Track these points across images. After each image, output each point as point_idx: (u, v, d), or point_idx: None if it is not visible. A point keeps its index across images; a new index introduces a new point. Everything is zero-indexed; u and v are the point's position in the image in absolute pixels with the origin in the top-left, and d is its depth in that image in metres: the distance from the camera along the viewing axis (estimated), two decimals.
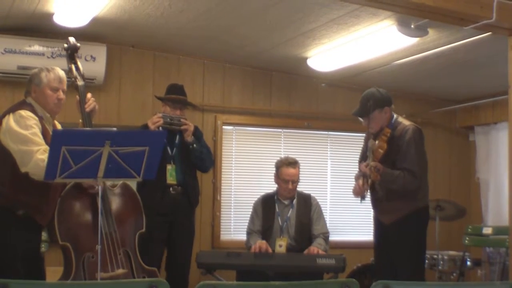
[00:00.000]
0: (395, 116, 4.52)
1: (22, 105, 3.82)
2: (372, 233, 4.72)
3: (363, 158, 4.58)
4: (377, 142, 4.39)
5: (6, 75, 5.39)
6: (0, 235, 3.73)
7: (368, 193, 4.42)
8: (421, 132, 4.47)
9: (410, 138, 4.36)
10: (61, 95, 3.87)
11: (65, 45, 4.07)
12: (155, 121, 4.70)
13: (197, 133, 4.97)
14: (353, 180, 4.59)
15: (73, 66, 4.02)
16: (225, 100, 6.30)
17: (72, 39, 4.06)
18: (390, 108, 4.49)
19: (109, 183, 4.06)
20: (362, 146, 4.76)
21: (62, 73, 3.92)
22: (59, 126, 4.06)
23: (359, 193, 4.35)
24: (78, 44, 4.06)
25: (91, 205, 3.88)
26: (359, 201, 4.37)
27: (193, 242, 5.01)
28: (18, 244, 3.74)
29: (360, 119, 4.53)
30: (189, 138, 4.78)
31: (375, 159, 4.30)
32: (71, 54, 4.05)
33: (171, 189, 4.77)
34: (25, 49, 5.36)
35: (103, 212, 3.76)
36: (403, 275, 4.17)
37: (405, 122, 4.51)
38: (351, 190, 4.52)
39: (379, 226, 4.58)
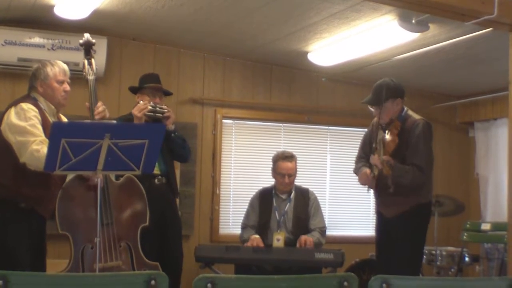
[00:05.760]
0: (405, 108, 4.42)
1: (25, 98, 3.88)
2: (370, 228, 4.72)
3: (366, 149, 4.52)
4: (387, 134, 4.31)
5: (6, 67, 5.39)
6: (3, 228, 3.75)
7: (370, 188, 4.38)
8: (430, 127, 4.38)
9: (419, 133, 4.27)
10: (67, 87, 3.95)
11: (80, 41, 4.14)
12: (142, 108, 4.68)
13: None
14: (353, 174, 4.58)
15: (86, 61, 4.07)
16: (225, 94, 6.29)
17: (87, 35, 4.13)
18: (402, 100, 4.39)
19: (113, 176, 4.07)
20: (363, 137, 4.66)
21: (65, 66, 4.00)
22: (64, 120, 4.08)
23: (367, 182, 4.33)
24: (93, 40, 4.13)
25: (92, 197, 3.87)
26: (366, 190, 4.35)
27: (181, 231, 5.00)
28: (22, 237, 3.76)
29: (371, 108, 4.41)
30: (171, 126, 4.77)
31: (386, 152, 4.22)
32: (86, 50, 4.11)
33: (156, 180, 4.78)
34: (25, 41, 5.36)
35: (101, 204, 3.76)
36: (400, 269, 4.10)
37: (414, 116, 4.41)
38: (358, 179, 4.44)
39: (381, 220, 4.52)
